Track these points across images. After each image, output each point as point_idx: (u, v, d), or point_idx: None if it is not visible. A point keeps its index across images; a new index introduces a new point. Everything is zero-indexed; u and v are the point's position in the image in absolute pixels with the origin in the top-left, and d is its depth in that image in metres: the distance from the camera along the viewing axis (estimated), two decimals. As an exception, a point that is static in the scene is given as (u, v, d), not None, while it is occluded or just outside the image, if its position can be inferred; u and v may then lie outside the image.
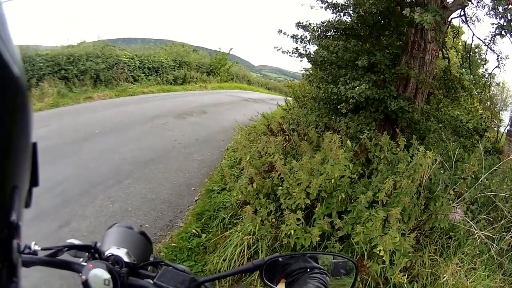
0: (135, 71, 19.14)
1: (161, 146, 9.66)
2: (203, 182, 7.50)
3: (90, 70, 16.54)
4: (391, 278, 4.12)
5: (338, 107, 6.46)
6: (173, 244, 5.33)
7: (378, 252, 4.05)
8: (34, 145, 0.56)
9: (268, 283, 1.34)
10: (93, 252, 1.50)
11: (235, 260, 4.65)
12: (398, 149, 5.46)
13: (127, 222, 1.94)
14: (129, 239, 1.80)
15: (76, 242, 1.56)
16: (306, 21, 7.09)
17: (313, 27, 7.06)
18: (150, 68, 20.10)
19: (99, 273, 1.31)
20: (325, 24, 6.99)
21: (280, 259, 1.37)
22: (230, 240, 4.96)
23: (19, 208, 0.50)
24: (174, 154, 9.16)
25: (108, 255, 1.49)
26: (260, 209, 4.87)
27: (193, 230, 5.53)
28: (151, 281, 1.40)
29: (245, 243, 4.70)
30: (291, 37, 7.19)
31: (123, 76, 18.19)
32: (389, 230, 4.06)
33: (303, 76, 10.79)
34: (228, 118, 12.80)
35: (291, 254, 1.43)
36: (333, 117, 6.80)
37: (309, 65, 8.82)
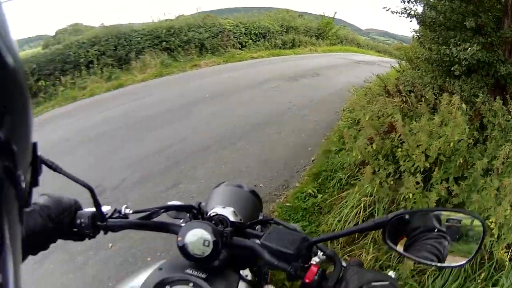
0: (241, 37, 19.25)
1: (274, 108, 9.73)
2: (319, 143, 7.47)
3: (193, 40, 16.95)
4: (496, 254, 3.89)
5: (452, 69, 6.23)
6: (287, 204, 5.37)
7: (490, 224, 3.84)
8: (34, 145, 0.54)
9: (391, 244, 1.23)
10: (195, 213, 1.48)
11: (350, 222, 4.61)
12: (510, 116, 5.12)
13: (236, 181, 1.98)
14: (237, 198, 1.85)
15: (178, 203, 1.56)
16: None
17: None
18: (257, 34, 20.10)
19: (198, 233, 1.29)
20: None
21: (407, 216, 1.23)
22: (346, 201, 4.92)
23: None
24: (288, 116, 9.21)
25: (212, 214, 1.48)
26: (378, 170, 4.79)
27: (309, 190, 5.53)
28: (257, 241, 1.34)
29: (362, 204, 4.66)
30: None
31: (230, 43, 18.41)
32: (501, 201, 3.85)
33: (413, 38, 10.46)
34: (342, 80, 12.67)
35: (417, 211, 1.37)
36: (447, 79, 6.58)
37: (417, 27, 8.62)
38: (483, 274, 3.44)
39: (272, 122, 8.77)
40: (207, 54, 17.17)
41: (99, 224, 1.38)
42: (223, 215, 1.46)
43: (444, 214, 1.27)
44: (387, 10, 7.13)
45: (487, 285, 3.33)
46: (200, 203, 1.51)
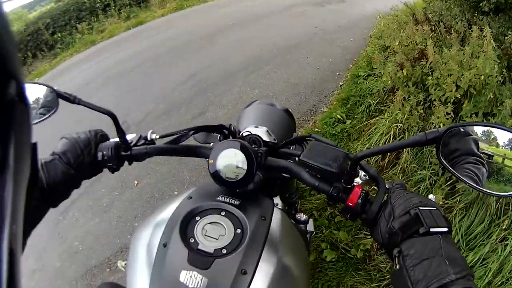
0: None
1: (301, 32, 9.49)
2: (347, 68, 7.25)
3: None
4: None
5: (480, 4, 5.98)
6: (316, 129, 5.30)
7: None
8: (34, 145, 0.50)
9: (444, 162, 1.10)
10: (226, 133, 1.42)
11: None
12: None
13: (268, 99, 1.95)
14: (270, 117, 1.80)
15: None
16: None
17: None
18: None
19: (230, 154, 1.21)
20: None
21: (462, 129, 1.10)
22: (376, 128, 4.80)
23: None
24: (316, 40, 8.96)
25: (244, 134, 1.42)
26: (408, 97, 4.66)
27: (338, 116, 5.43)
28: (292, 161, 1.28)
29: (392, 131, 4.51)
30: None
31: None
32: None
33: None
34: (367, 6, 12.03)
35: (475, 123, 1.12)
36: (475, 14, 6.34)
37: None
38: (506, 221, 3.27)
39: (299, 46, 8.55)
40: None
41: (123, 154, 1.33)
42: (256, 135, 1.41)
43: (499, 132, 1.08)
44: None
45: (510, 234, 3.16)
46: (231, 124, 1.45)
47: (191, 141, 1.40)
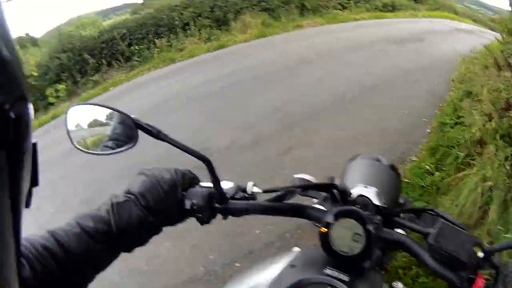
0: (342, -2, 18.81)
1: (383, 72, 9.46)
2: (433, 113, 7.11)
3: (293, 0, 16.57)
4: None
5: None
6: (406, 180, 5.07)
7: None
8: (34, 145, 0.50)
9: None
10: (336, 193, 1.24)
11: (466, 210, 4.18)
12: None
13: (372, 153, 1.79)
14: (378, 174, 1.64)
15: (308, 177, 1.35)
16: None
17: None
18: (359, -6, 19.54)
19: (347, 225, 1.07)
20: None
21: None
22: (463, 183, 4.55)
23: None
24: (398, 81, 8.90)
25: (355, 196, 1.23)
26: (497, 151, 4.36)
27: (426, 166, 5.30)
28: (404, 233, 1.18)
29: (479, 189, 4.20)
30: None
31: (330, 3, 17.95)
32: None
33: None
34: (446, 47, 12.13)
35: None
36: None
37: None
38: None
39: (382, 86, 8.53)
40: (309, 15, 16.81)
41: (217, 206, 1.18)
42: (367, 198, 1.23)
43: None
44: None
45: None
46: (334, 178, 1.25)
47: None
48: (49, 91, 13.23)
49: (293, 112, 7.34)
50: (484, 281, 0.99)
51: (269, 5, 16.10)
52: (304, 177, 1.34)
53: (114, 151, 1.14)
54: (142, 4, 18.37)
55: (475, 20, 29.86)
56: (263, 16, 15.61)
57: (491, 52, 7.94)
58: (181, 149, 1.07)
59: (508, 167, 4.20)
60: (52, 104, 12.94)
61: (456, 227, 1.06)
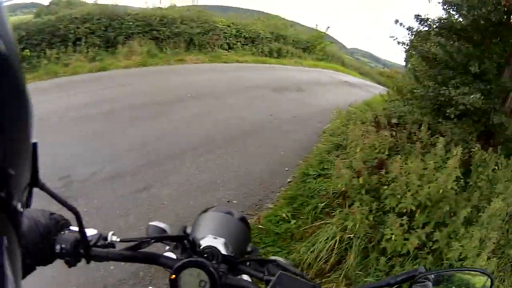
0: (230, 38, 19.12)
1: (257, 119, 9.52)
2: (297, 164, 7.23)
3: (184, 33, 16.73)
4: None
5: (447, 111, 6.08)
6: (260, 226, 5.15)
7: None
8: (34, 145, 0.52)
9: None
10: (186, 244, 1.32)
11: (322, 256, 4.39)
12: (497, 168, 5.21)
13: (224, 206, 1.83)
14: (228, 226, 1.68)
15: (162, 225, 1.45)
16: (425, 15, 6.86)
17: (430, 22, 6.81)
18: (247, 37, 19.99)
19: (194, 273, 1.18)
20: (441, 21, 6.67)
21: (433, 276, 1.17)
22: (321, 231, 4.71)
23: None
24: (269, 130, 8.97)
25: (204, 247, 1.31)
26: (360, 205, 4.56)
27: (283, 214, 5.31)
28: (250, 280, 1.30)
29: (337, 238, 4.46)
30: (407, 29, 7.05)
31: (219, 42, 18.24)
32: (481, 253, 3.88)
33: (408, 69, 10.33)
34: (326, 98, 12.59)
35: (435, 271, 1.25)
36: (438, 119, 6.49)
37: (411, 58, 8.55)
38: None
39: (253, 133, 8.55)
40: (194, 50, 16.95)
41: (81, 252, 1.22)
42: (215, 248, 1.31)
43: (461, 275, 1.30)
44: (394, 39, 7.25)
45: None
46: (186, 227, 1.40)
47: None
48: None
49: (160, 149, 7.20)
50: None
51: (159, 34, 16.13)
52: (158, 225, 1.44)
53: None
54: (47, 7, 17.84)
55: (362, 73, 31.22)
56: (150, 44, 15.57)
57: (371, 108, 8.21)
58: (55, 199, 1.00)
59: (371, 219, 4.45)
60: None
61: (294, 276, 1.18)
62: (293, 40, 23.47)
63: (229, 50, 18.87)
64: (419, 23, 6.87)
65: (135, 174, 6.14)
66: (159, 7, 18.11)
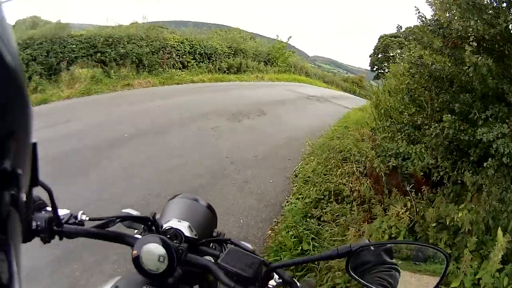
0: (184, 56, 17.27)
1: (208, 165, 7.06)
2: (263, 235, 5.15)
3: (131, 54, 14.82)
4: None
5: (470, 152, 4.40)
6: None
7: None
8: (34, 145, 0.53)
9: (353, 273, 1.24)
10: (150, 225, 1.37)
11: None
12: None
13: (192, 193, 1.79)
14: (193, 211, 1.71)
15: (133, 212, 1.46)
16: (433, 17, 4.94)
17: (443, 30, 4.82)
18: (202, 54, 18.19)
19: (153, 248, 1.21)
20: (461, 27, 4.58)
21: (372, 247, 1.25)
22: None
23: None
24: (224, 181, 6.54)
25: (167, 228, 1.39)
26: None
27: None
28: (212, 260, 1.33)
29: None
30: (404, 38, 5.93)
31: (170, 61, 16.37)
32: None
33: (400, 89, 8.35)
34: (292, 122, 10.60)
35: (380, 243, 1.45)
36: (460, 165, 4.61)
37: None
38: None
39: (200, 190, 6.09)
40: (143, 72, 15.05)
41: (55, 229, 1.28)
42: (178, 229, 1.38)
43: (405, 247, 1.39)
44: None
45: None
46: (155, 214, 1.38)
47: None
48: None
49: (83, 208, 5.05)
50: None
51: (104, 57, 14.20)
52: (131, 212, 1.46)
53: None
54: (13, 27, 15.72)
55: (327, 82, 31.77)
56: (96, 68, 13.81)
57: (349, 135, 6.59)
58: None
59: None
60: None
61: (245, 251, 1.28)
62: (253, 53, 22.06)
63: (183, 69, 17.10)
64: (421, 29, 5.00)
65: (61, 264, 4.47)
66: (106, 26, 16.16)
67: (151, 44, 15.67)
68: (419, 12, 5.03)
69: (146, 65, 15.25)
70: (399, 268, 1.27)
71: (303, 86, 21.01)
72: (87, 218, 1.34)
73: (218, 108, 11.17)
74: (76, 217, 1.34)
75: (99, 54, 14.12)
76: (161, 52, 15.96)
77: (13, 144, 0.42)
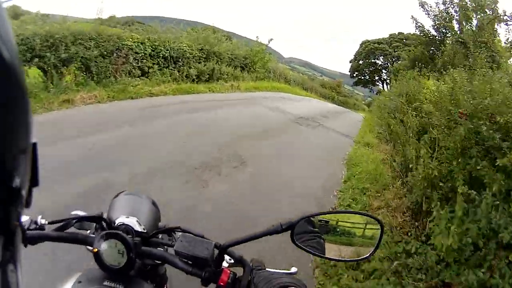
0: (144, 60, 13.91)
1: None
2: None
3: (76, 58, 11.24)
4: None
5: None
6: None
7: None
8: (34, 145, 0.52)
9: (298, 243, 1.33)
10: (102, 223, 1.43)
11: None
12: None
13: (133, 191, 1.83)
14: (138, 207, 1.74)
15: (82, 213, 1.50)
16: None
17: None
18: (167, 57, 14.91)
19: (112, 244, 1.25)
20: None
21: (312, 218, 1.39)
22: None
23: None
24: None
25: (119, 224, 1.41)
26: None
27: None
28: (166, 249, 1.41)
29: None
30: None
31: (126, 67, 12.96)
32: None
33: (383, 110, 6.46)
34: (283, 178, 7.14)
35: (319, 213, 1.46)
36: None
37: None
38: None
39: None
40: (90, 82, 11.51)
41: None
42: (128, 225, 1.41)
43: (340, 216, 1.54)
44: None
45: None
46: (103, 213, 1.46)
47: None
48: None
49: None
50: (229, 273, 1.30)
51: (43, 63, 10.58)
52: (79, 213, 1.51)
53: None
54: None
55: (307, 89, 31.71)
56: (33, 79, 10.54)
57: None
58: None
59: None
60: None
61: (196, 236, 1.34)
62: (229, 57, 18.98)
63: (142, 77, 13.77)
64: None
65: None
66: (52, 22, 12.30)
67: (102, 45, 12.15)
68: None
69: (94, 72, 11.76)
70: (322, 236, 1.40)
71: (287, 100, 18.61)
72: (47, 222, 1.36)
73: (174, 154, 7.32)
74: (36, 222, 1.35)
75: (36, 59, 10.40)
76: (114, 55, 12.54)
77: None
